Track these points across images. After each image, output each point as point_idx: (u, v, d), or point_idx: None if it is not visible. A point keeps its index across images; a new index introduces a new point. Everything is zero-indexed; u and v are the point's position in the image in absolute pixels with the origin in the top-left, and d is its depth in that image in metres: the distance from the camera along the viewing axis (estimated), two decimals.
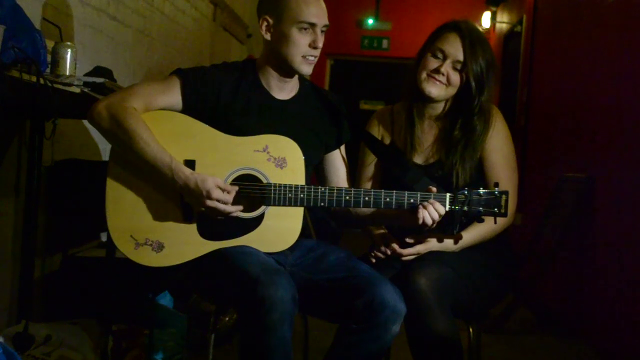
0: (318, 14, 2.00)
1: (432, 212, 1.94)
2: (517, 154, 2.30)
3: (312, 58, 2.02)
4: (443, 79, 2.16)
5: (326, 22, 2.03)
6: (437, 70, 2.16)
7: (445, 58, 2.16)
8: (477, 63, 2.14)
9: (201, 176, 1.88)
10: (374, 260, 2.15)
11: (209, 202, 1.87)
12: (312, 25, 1.99)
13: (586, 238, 3.81)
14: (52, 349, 2.38)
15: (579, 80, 4.26)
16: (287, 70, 2.05)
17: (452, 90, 2.19)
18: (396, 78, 2.32)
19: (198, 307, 3.11)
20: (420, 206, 1.94)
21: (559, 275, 4.18)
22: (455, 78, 2.17)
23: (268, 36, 2.03)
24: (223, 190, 1.88)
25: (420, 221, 1.94)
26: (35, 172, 2.60)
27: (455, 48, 2.16)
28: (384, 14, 8.65)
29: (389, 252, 2.14)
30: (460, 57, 2.15)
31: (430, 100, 2.20)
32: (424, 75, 2.18)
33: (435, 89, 2.17)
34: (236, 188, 1.91)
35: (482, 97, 2.17)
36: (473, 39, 2.16)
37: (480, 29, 7.23)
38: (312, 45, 2.00)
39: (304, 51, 2.00)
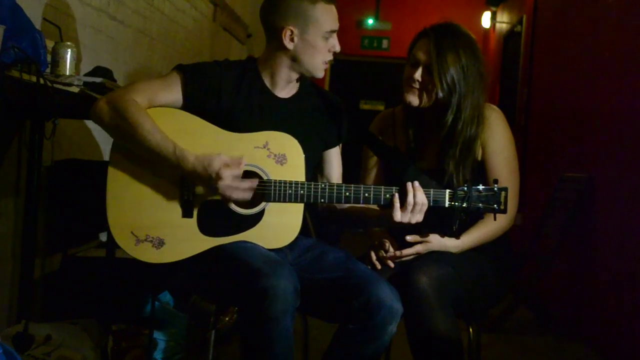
0: (336, 19, 2.06)
1: (417, 189, 1.92)
2: (517, 154, 2.29)
3: (328, 61, 2.08)
4: (417, 85, 2.16)
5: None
6: (412, 78, 2.17)
7: (418, 65, 2.17)
8: (444, 65, 2.11)
9: (207, 159, 1.86)
10: (369, 266, 2.14)
11: (221, 183, 1.85)
12: (334, 32, 2.05)
13: (586, 238, 3.81)
14: (52, 349, 2.38)
15: (579, 80, 4.26)
16: (303, 73, 2.08)
17: (433, 95, 2.16)
18: (396, 78, 2.31)
19: (198, 307, 3.11)
20: (408, 184, 1.93)
21: (559, 275, 4.18)
22: (432, 82, 2.15)
23: (291, 45, 2.02)
24: (231, 166, 1.87)
25: (410, 198, 1.92)
26: (35, 172, 2.60)
27: (424, 52, 2.15)
28: (384, 14, 8.66)
29: (389, 262, 2.14)
30: (430, 61, 2.14)
31: (412, 108, 2.21)
32: (404, 85, 2.19)
33: (414, 98, 2.18)
34: (244, 161, 1.89)
35: (452, 99, 2.13)
36: (440, 40, 2.13)
37: (481, 29, 7.29)
38: (332, 50, 2.06)
39: (326, 57, 2.06)
